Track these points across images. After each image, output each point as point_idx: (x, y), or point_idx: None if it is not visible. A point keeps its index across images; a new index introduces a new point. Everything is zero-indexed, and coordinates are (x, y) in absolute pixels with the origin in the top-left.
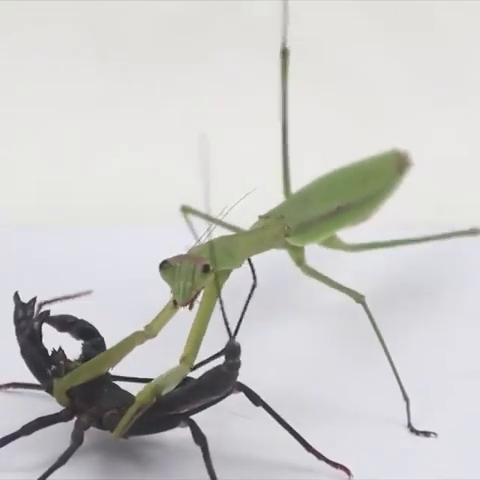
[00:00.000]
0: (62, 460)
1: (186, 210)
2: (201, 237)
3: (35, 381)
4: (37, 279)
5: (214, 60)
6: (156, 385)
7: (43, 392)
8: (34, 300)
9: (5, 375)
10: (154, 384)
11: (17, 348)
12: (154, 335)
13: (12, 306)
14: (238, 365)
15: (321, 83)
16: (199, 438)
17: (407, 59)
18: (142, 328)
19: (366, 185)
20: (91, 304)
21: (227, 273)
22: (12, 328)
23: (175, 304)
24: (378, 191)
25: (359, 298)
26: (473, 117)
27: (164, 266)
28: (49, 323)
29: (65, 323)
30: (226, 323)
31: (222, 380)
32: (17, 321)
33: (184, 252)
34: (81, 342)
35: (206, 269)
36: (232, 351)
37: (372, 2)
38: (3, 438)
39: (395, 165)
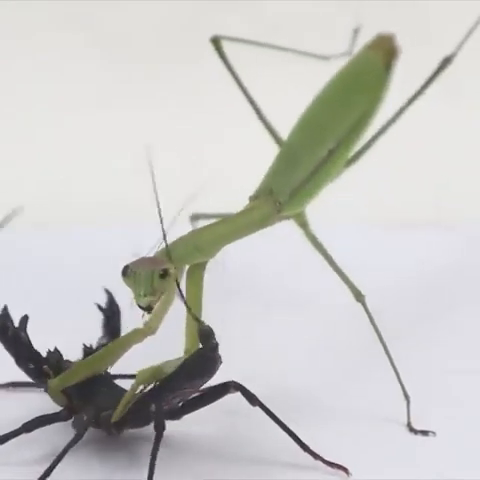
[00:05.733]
0: (65, 451)
1: (196, 217)
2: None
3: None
4: (37, 279)
5: (215, 60)
6: (158, 367)
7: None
8: (6, 309)
9: (4, 375)
10: (156, 366)
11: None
12: (153, 332)
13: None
14: (217, 345)
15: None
16: (159, 425)
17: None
18: (141, 325)
19: (352, 106)
20: (91, 303)
21: (202, 266)
22: None
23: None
24: (368, 104)
25: (359, 297)
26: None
27: (126, 272)
28: (108, 296)
29: (114, 306)
30: (189, 309)
31: (206, 364)
32: (3, 333)
33: (147, 255)
34: (100, 336)
35: (164, 274)
36: (206, 335)
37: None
38: (3, 435)
39: (380, 61)
